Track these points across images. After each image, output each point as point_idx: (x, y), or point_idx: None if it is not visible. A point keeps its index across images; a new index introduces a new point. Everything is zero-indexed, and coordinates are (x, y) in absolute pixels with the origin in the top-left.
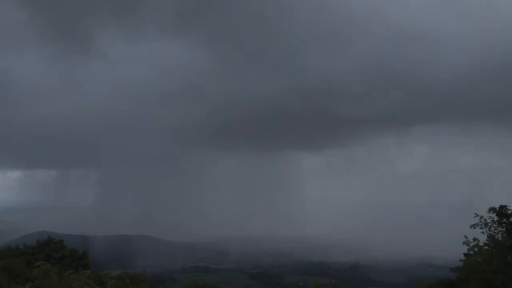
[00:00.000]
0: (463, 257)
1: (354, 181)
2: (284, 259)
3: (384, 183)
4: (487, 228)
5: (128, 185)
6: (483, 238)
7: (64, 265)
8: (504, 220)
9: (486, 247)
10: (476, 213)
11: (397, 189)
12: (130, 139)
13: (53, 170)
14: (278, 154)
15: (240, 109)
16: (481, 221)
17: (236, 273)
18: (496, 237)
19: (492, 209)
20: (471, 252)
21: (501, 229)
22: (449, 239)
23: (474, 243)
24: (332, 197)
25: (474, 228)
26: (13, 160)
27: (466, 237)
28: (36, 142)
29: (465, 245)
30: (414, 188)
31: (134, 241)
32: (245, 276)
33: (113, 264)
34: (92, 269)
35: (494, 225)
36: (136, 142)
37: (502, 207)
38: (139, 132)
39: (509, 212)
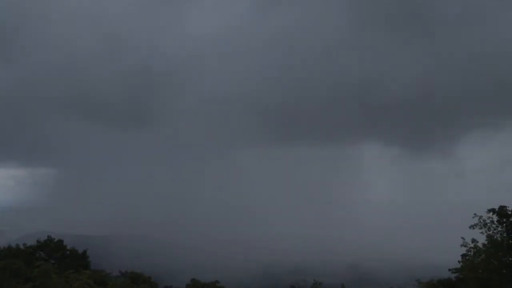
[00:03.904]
0: (463, 258)
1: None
2: (285, 258)
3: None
4: (486, 229)
5: (129, 185)
6: (482, 239)
7: (64, 265)
8: (504, 220)
9: (483, 248)
10: (475, 214)
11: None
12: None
13: (54, 168)
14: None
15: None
16: (480, 221)
17: (237, 273)
18: (495, 237)
19: (492, 210)
20: (470, 253)
21: (501, 229)
22: (451, 239)
23: (472, 245)
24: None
25: (473, 228)
26: (12, 157)
27: (463, 238)
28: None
29: (462, 246)
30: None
31: (135, 241)
32: (245, 276)
33: (113, 264)
34: (92, 269)
35: (493, 225)
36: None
37: (502, 207)
38: None
39: (509, 212)
